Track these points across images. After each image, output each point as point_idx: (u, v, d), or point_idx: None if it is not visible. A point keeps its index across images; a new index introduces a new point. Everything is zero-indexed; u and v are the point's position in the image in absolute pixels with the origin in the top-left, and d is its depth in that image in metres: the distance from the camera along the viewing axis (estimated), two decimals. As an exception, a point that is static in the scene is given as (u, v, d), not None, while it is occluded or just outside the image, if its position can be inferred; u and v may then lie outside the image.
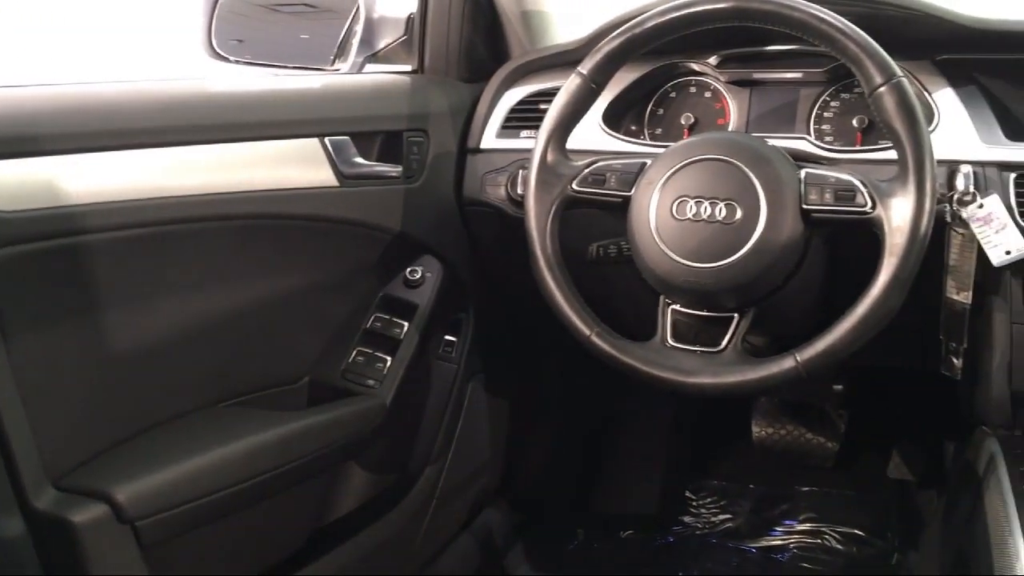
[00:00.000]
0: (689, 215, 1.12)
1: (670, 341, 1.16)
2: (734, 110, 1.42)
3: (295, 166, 1.25)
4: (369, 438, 1.39)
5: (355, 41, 1.54)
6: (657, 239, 1.14)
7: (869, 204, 1.06)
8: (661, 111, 1.47)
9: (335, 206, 1.30)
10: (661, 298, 1.18)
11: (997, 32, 1.24)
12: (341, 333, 1.43)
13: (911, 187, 1.03)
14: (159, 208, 1.10)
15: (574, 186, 1.21)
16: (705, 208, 1.11)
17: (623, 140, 1.41)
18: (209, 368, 1.24)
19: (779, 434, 1.99)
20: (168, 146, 1.12)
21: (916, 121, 1.03)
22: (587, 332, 1.18)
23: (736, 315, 1.14)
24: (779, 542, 1.94)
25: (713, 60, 1.41)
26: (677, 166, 1.14)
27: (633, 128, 1.47)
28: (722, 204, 1.10)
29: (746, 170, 1.11)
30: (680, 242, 1.12)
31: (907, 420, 1.93)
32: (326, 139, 1.28)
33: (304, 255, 1.31)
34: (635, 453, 2.08)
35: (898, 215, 1.03)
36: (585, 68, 1.20)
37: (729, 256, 1.09)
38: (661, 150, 1.20)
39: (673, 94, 1.47)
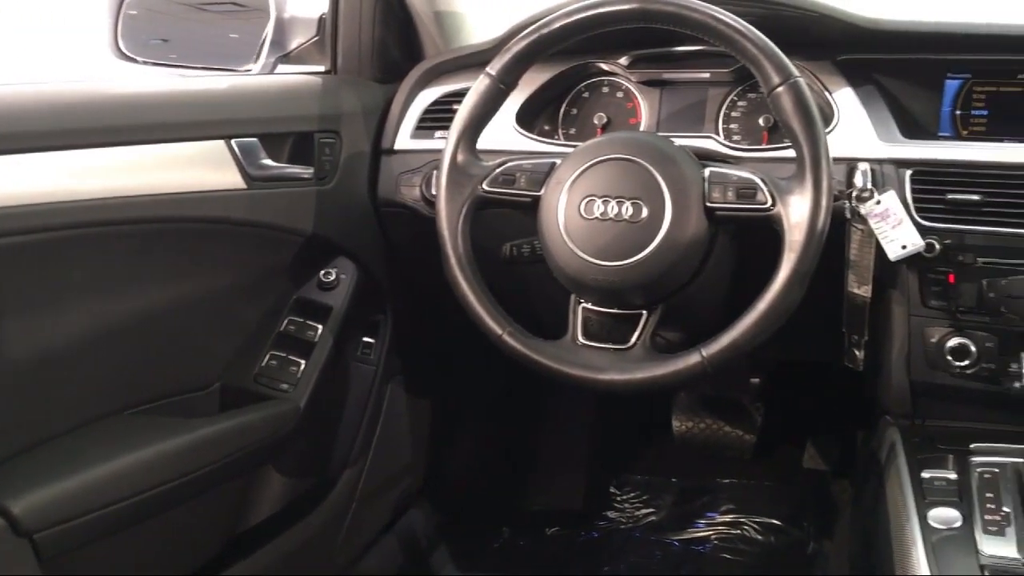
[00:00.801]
0: (597, 214, 1.13)
1: (581, 339, 1.17)
2: (645, 110, 1.43)
3: (200, 168, 1.23)
4: (284, 442, 1.37)
5: (266, 42, 1.52)
6: (566, 238, 1.14)
7: (769, 202, 1.08)
8: (575, 111, 1.49)
9: (243, 209, 1.28)
10: (572, 297, 1.19)
11: (891, 32, 1.28)
12: (253, 337, 1.41)
13: (808, 185, 1.06)
14: (58, 213, 1.07)
15: (484, 186, 1.21)
16: (612, 207, 1.12)
17: (537, 140, 1.42)
18: (115, 375, 1.22)
19: (698, 428, 2.03)
20: (67, 149, 1.09)
21: (812, 120, 1.06)
22: (499, 331, 1.18)
23: (645, 312, 1.15)
24: (701, 534, 1.98)
25: (624, 60, 1.43)
26: (585, 166, 1.15)
27: (547, 128, 1.48)
28: (628, 203, 1.12)
29: (651, 169, 1.12)
30: (588, 241, 1.13)
31: (821, 412, 1.97)
32: (232, 141, 1.27)
33: (212, 258, 1.29)
34: (559, 450, 2.10)
35: (796, 212, 1.06)
36: (494, 69, 1.20)
37: (636, 254, 1.11)
38: (571, 150, 1.21)
39: (586, 94, 1.48)
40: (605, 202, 1.13)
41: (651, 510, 2.05)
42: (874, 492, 1.25)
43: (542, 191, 1.19)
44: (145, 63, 1.54)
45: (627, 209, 1.12)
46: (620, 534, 2.02)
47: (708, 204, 1.12)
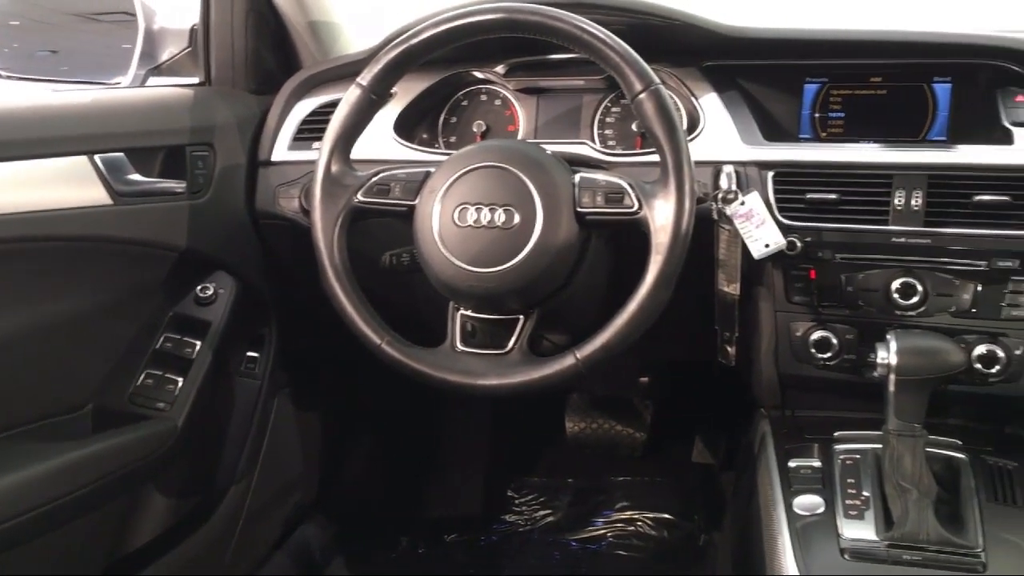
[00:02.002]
0: (470, 221, 1.14)
1: (459, 345, 1.18)
2: (523, 117, 1.46)
3: (62, 186, 1.19)
4: (163, 461, 1.34)
5: (135, 53, 1.49)
6: (441, 246, 1.15)
7: (636, 205, 1.11)
8: (454, 119, 1.50)
9: (109, 225, 1.25)
10: (450, 303, 1.20)
11: (753, 40, 1.33)
12: (127, 356, 1.37)
13: (672, 188, 1.09)
14: None
15: (359, 197, 1.21)
16: (485, 214, 1.14)
17: (416, 149, 1.42)
18: None
19: (591, 428, 2.06)
20: None
21: (674, 126, 1.09)
22: (377, 341, 1.18)
23: (521, 317, 1.17)
24: (597, 533, 2.01)
25: (501, 69, 1.45)
26: (457, 174, 1.16)
27: (426, 137, 1.49)
28: (501, 210, 1.13)
29: (522, 176, 1.14)
30: (463, 248, 1.14)
31: (708, 407, 2.03)
32: (96, 156, 1.23)
33: (79, 277, 1.25)
34: (457, 456, 2.11)
35: (661, 215, 1.09)
36: (364, 79, 1.20)
37: (509, 260, 1.12)
38: (445, 158, 1.22)
39: (465, 102, 1.50)
40: (478, 209, 1.14)
41: (548, 511, 2.07)
42: (748, 483, 1.29)
43: (416, 200, 1.19)
44: (10, 78, 1.49)
45: (500, 216, 1.13)
46: (519, 536, 2.03)
47: (578, 209, 1.14)
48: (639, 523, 2.00)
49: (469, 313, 1.19)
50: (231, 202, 1.44)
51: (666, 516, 1.99)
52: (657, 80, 1.10)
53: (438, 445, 2.11)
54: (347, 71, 1.45)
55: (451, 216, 1.15)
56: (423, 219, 1.17)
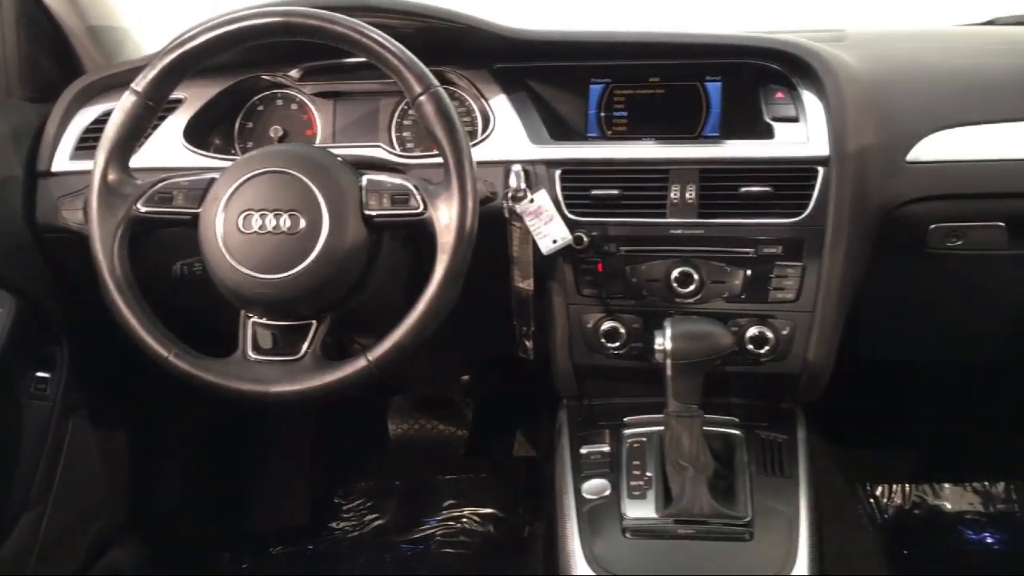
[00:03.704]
0: (255, 228, 1.13)
1: (251, 354, 1.17)
2: (320, 121, 1.45)
3: None
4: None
5: None
6: (226, 254, 1.13)
7: (422, 207, 1.13)
8: (250, 124, 1.48)
9: None
10: (241, 312, 1.19)
11: (537, 42, 1.36)
12: None
13: (454, 188, 1.11)
14: None
15: (139, 206, 1.18)
16: (270, 220, 1.13)
17: (210, 156, 1.39)
18: None
19: (414, 429, 2.08)
20: None
21: (454, 127, 1.11)
22: (164, 353, 1.15)
23: (314, 322, 1.16)
24: (426, 532, 2.03)
25: (295, 73, 1.43)
26: (240, 180, 1.15)
27: (220, 143, 1.46)
28: (286, 215, 1.12)
29: (307, 181, 1.13)
30: (248, 255, 1.13)
31: (527, 401, 2.07)
32: None
33: None
34: (279, 466, 2.07)
35: (446, 215, 1.11)
36: (139, 86, 1.17)
37: (296, 265, 1.11)
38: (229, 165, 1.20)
39: (261, 107, 1.48)
40: (263, 215, 1.13)
41: (377, 515, 2.07)
42: (550, 471, 1.33)
43: (200, 208, 1.17)
44: None
45: (285, 221, 1.12)
46: (348, 542, 2.02)
47: (365, 212, 1.15)
48: (466, 520, 2.02)
49: (261, 321, 1.18)
50: (6, 216, 1.37)
51: (492, 511, 2.03)
52: (436, 83, 1.12)
53: (259, 455, 2.07)
54: (128, 78, 1.40)
55: (235, 223, 1.13)
56: (207, 227, 1.15)
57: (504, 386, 2.05)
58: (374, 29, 1.13)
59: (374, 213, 1.15)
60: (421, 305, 1.11)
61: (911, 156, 1.28)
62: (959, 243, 1.31)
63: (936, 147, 1.28)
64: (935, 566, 1.86)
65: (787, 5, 1.85)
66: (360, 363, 1.11)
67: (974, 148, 1.28)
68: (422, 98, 1.11)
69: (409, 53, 1.12)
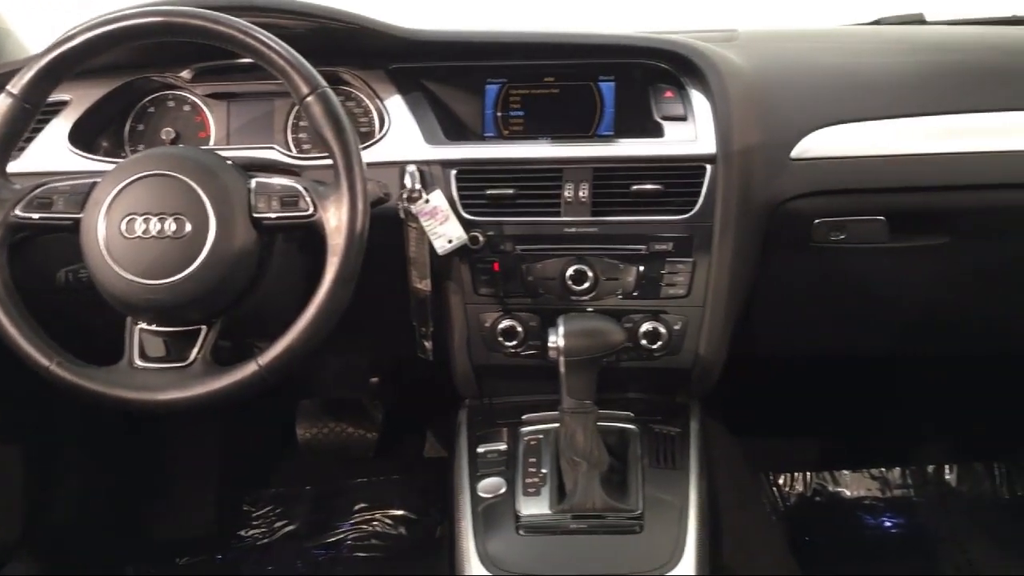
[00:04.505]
0: (139, 232, 1.10)
1: (138, 361, 1.14)
2: (214, 123, 1.42)
3: None
4: None
5: None
6: (109, 260, 1.11)
7: (311, 209, 1.12)
8: (141, 127, 1.44)
9: None
10: (128, 318, 1.16)
11: (433, 42, 1.36)
12: None
13: (344, 190, 1.10)
14: None
15: (17, 212, 1.14)
16: (154, 224, 1.10)
17: (96, 160, 1.36)
18: None
19: (323, 433, 2.06)
20: None
21: (342, 128, 1.10)
22: (46, 363, 1.12)
23: (204, 327, 1.14)
24: (337, 537, 2.01)
25: (187, 74, 1.40)
26: (123, 184, 1.12)
27: (108, 145, 1.42)
28: (171, 219, 1.10)
29: (192, 184, 1.11)
30: (133, 261, 1.10)
31: (435, 401, 2.07)
32: None
33: None
34: (185, 475, 2.03)
35: (335, 217, 1.10)
36: (15, 88, 1.13)
37: (183, 270, 1.09)
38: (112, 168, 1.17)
39: (152, 109, 1.44)
40: (147, 220, 1.11)
41: (287, 521, 2.05)
42: (450, 471, 1.33)
43: (82, 213, 1.14)
44: None
45: (170, 225, 1.10)
46: (257, 550, 1.99)
47: (254, 215, 1.13)
48: (377, 523, 2.01)
49: (147, 327, 1.15)
50: None
51: (403, 512, 2.02)
52: (324, 83, 1.11)
53: (163, 465, 2.03)
54: (5, 80, 1.36)
55: (118, 228, 1.11)
56: (89, 233, 1.12)
57: (413, 387, 2.05)
58: (259, 29, 1.11)
59: (263, 216, 1.13)
60: (312, 309, 1.10)
61: (795, 153, 1.32)
62: (842, 237, 1.35)
63: (818, 144, 1.32)
64: (835, 551, 1.92)
65: (689, 6, 1.89)
66: (251, 368, 1.10)
67: (855, 144, 1.32)
68: (309, 99, 1.10)
69: (296, 54, 1.11)
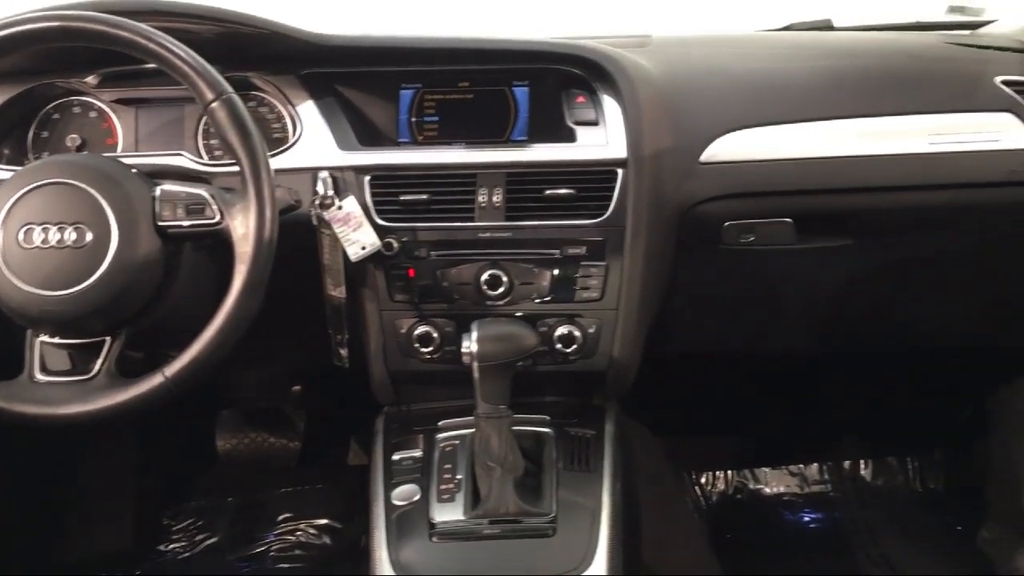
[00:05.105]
0: (38, 242, 1.08)
1: (38, 375, 1.11)
2: (121, 130, 1.39)
3: None
4: None
5: None
6: (6, 271, 1.08)
7: (218, 216, 1.10)
8: (46, 134, 1.40)
9: None
10: (28, 331, 1.13)
11: (345, 47, 1.34)
12: None
13: (251, 197, 1.08)
14: None
15: None
16: (53, 234, 1.08)
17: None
18: None
19: (243, 443, 2.02)
20: None
21: (248, 134, 1.09)
22: None
23: (108, 338, 1.12)
24: (261, 548, 1.98)
25: (92, 80, 1.37)
26: (20, 193, 1.09)
27: (9, 153, 1.38)
28: (71, 228, 1.08)
29: (92, 192, 1.09)
30: (32, 271, 1.07)
31: (359, 409, 2.06)
32: None
33: None
34: (101, 491, 1.98)
35: (243, 224, 1.09)
36: None
37: (84, 280, 1.07)
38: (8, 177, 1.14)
39: (57, 115, 1.41)
40: (45, 229, 1.08)
41: (208, 534, 2.01)
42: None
43: None
44: None
45: (70, 235, 1.07)
46: (177, 565, 1.95)
47: (159, 223, 1.11)
48: (301, 533, 1.99)
49: (48, 339, 1.12)
50: None
51: (328, 522, 2.00)
52: (229, 89, 1.09)
53: (76, 482, 1.97)
54: None
55: (15, 238, 1.08)
56: None
57: (337, 394, 2.03)
58: (161, 34, 1.09)
59: (168, 224, 1.11)
60: (219, 318, 1.08)
61: (704, 157, 1.34)
62: (752, 239, 1.38)
63: (727, 148, 1.35)
64: (756, 547, 1.96)
65: (598, 12, 1.91)
66: (156, 380, 1.07)
67: (762, 148, 1.35)
68: (214, 105, 1.09)
69: (199, 59, 1.09)
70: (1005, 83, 1.41)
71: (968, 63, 1.50)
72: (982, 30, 1.75)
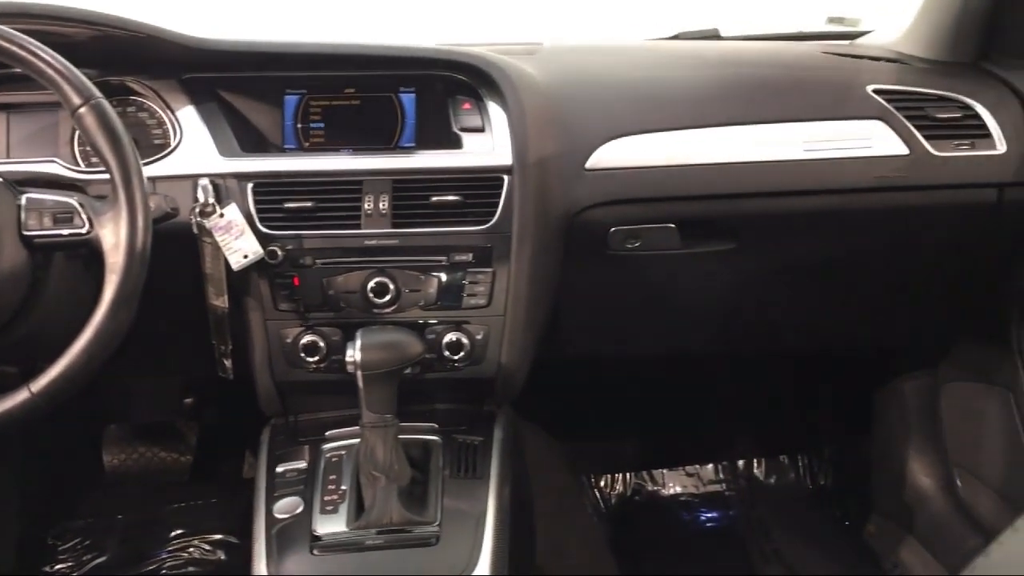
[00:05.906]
0: None
1: None
2: None
3: None
4: None
5: None
6: None
7: (87, 226, 1.07)
8: None
9: None
10: None
11: (228, 52, 1.32)
12: None
13: (122, 205, 1.05)
14: None
15: None
16: None
17: None
18: None
19: (132, 459, 1.96)
20: None
21: (118, 140, 1.05)
22: None
23: None
24: (152, 567, 1.91)
25: None
26: None
27: None
28: None
29: None
30: None
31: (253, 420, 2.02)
32: None
33: None
34: None
35: (113, 234, 1.05)
36: None
37: None
38: None
39: None
40: None
41: (96, 553, 1.93)
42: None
43: None
44: None
45: None
46: (63, 586, 1.88)
47: (24, 232, 1.07)
48: (194, 549, 1.93)
49: None
50: None
51: (223, 536, 1.95)
52: (97, 94, 1.06)
53: None
54: None
55: None
56: None
57: (229, 406, 1.98)
58: (24, 37, 1.05)
59: (34, 233, 1.07)
60: (89, 331, 1.04)
61: (589, 163, 1.35)
62: (637, 244, 1.40)
63: (611, 155, 1.36)
64: (654, 547, 1.99)
65: (493, 19, 1.92)
66: (22, 395, 1.03)
67: (645, 155, 1.37)
68: (82, 110, 1.05)
69: (65, 62, 1.05)
70: (876, 92, 1.46)
71: (842, 72, 1.55)
72: (859, 40, 1.81)
